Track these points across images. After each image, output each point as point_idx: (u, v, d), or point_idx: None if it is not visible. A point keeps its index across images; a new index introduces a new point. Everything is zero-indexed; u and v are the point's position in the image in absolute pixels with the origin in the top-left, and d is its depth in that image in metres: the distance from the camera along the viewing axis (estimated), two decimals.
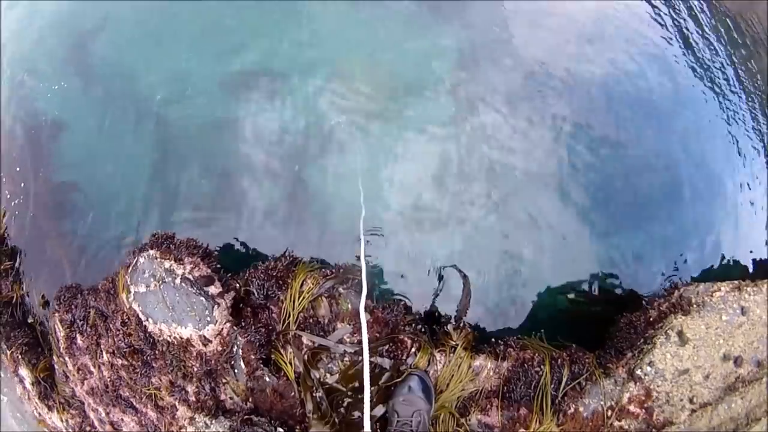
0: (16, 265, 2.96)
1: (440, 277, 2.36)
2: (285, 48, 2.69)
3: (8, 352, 2.96)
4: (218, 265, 2.14)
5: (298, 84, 2.60)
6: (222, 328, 2.06)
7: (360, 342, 1.93)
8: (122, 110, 2.72)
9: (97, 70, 2.86)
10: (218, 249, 2.32)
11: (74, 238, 2.72)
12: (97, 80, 2.84)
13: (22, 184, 2.89)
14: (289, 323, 2.02)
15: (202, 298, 2.03)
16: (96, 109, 2.77)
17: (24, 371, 2.96)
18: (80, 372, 2.66)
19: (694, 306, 2.22)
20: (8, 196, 2.94)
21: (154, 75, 2.74)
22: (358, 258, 2.11)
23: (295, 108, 2.58)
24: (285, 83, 2.62)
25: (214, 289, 2.06)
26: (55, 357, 2.75)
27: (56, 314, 2.64)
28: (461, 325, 2.22)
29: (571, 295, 2.52)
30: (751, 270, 2.74)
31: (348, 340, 2.03)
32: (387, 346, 2.05)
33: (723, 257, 2.71)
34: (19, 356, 2.94)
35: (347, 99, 2.54)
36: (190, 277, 2.05)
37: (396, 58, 2.69)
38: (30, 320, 3.01)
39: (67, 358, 2.68)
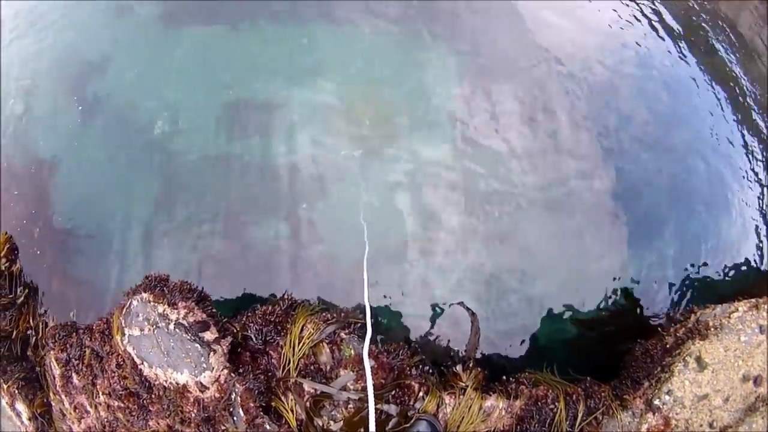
0: (20, 299, 2.87)
1: (447, 316, 2.25)
2: (283, 80, 2.60)
3: (5, 386, 2.90)
4: (214, 309, 2.04)
5: (298, 117, 2.50)
6: (219, 375, 1.97)
7: (364, 389, 1.83)
8: (121, 147, 2.65)
9: (97, 108, 2.77)
10: (215, 290, 2.22)
11: (76, 274, 2.64)
12: (96, 117, 2.76)
13: (24, 221, 2.80)
14: (289, 370, 1.92)
15: (197, 345, 1.93)
16: (95, 145, 2.69)
17: (21, 406, 2.89)
18: (77, 411, 2.58)
19: (712, 329, 2.16)
20: (17, 228, 2.84)
21: (153, 111, 2.65)
22: (361, 300, 1.99)
23: (295, 141, 2.48)
24: (284, 116, 2.53)
25: (209, 335, 1.97)
26: (51, 394, 2.68)
27: (51, 352, 2.56)
28: (470, 364, 2.11)
29: (580, 318, 2.42)
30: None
31: (351, 387, 1.93)
32: (393, 392, 1.94)
33: (733, 270, 2.64)
34: (16, 391, 2.87)
35: (347, 131, 2.44)
36: (184, 322, 1.95)
37: (395, 87, 2.59)
38: (29, 353, 2.93)
39: (63, 396, 2.60)
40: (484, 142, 2.49)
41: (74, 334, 2.48)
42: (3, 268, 2.85)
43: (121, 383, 2.25)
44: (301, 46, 2.65)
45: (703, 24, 3.35)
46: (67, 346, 2.47)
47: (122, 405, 2.30)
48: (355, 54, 2.66)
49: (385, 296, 2.22)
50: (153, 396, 2.17)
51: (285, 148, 2.44)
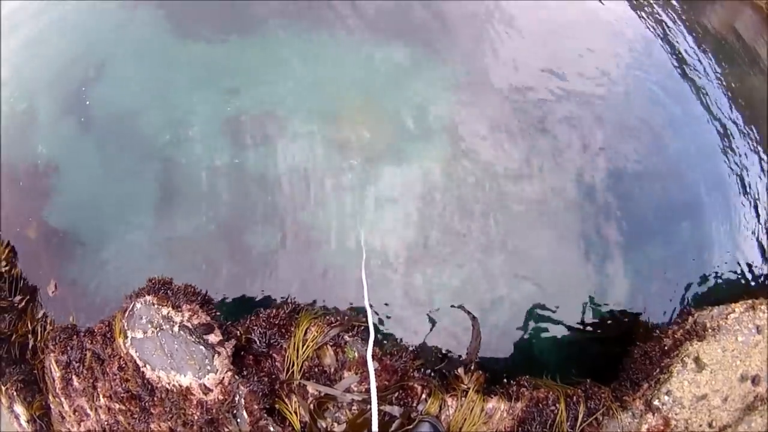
0: (20, 304, 2.85)
1: (448, 320, 2.27)
2: (284, 91, 2.63)
3: (3, 389, 2.88)
4: (218, 312, 2.04)
5: (297, 127, 2.54)
6: (223, 377, 1.97)
7: (368, 390, 1.84)
8: (121, 154, 2.65)
9: (97, 114, 2.77)
10: (218, 296, 2.23)
11: (74, 278, 2.63)
12: (97, 123, 2.76)
13: (23, 224, 2.78)
14: (293, 372, 1.93)
15: (202, 347, 1.93)
16: (96, 152, 2.69)
17: (19, 408, 2.87)
18: (77, 414, 2.57)
19: (710, 330, 2.20)
20: (16, 231, 2.82)
21: (155, 119, 2.66)
22: (363, 304, 2.01)
23: (295, 151, 2.52)
24: (284, 126, 2.56)
25: (213, 338, 1.97)
26: (50, 397, 2.66)
27: (51, 354, 2.55)
28: (472, 367, 2.13)
29: (579, 324, 2.45)
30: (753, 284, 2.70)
31: (355, 388, 1.94)
32: (396, 394, 1.96)
33: (730, 274, 2.67)
34: (14, 393, 2.85)
35: (345, 141, 2.47)
36: (189, 324, 1.95)
37: (392, 99, 2.63)
38: (28, 356, 2.91)
39: (62, 399, 2.59)
40: (478, 152, 2.53)
41: (75, 336, 2.47)
42: (2, 270, 2.84)
43: (123, 386, 2.24)
44: (301, 57, 2.67)
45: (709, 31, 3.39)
46: (68, 348, 2.46)
47: (123, 408, 2.29)
48: (354, 66, 2.69)
49: (385, 303, 2.24)
50: (155, 399, 2.17)
51: (285, 158, 2.47)
